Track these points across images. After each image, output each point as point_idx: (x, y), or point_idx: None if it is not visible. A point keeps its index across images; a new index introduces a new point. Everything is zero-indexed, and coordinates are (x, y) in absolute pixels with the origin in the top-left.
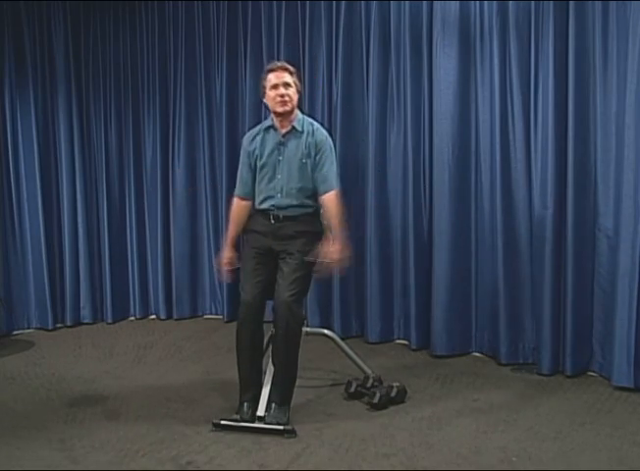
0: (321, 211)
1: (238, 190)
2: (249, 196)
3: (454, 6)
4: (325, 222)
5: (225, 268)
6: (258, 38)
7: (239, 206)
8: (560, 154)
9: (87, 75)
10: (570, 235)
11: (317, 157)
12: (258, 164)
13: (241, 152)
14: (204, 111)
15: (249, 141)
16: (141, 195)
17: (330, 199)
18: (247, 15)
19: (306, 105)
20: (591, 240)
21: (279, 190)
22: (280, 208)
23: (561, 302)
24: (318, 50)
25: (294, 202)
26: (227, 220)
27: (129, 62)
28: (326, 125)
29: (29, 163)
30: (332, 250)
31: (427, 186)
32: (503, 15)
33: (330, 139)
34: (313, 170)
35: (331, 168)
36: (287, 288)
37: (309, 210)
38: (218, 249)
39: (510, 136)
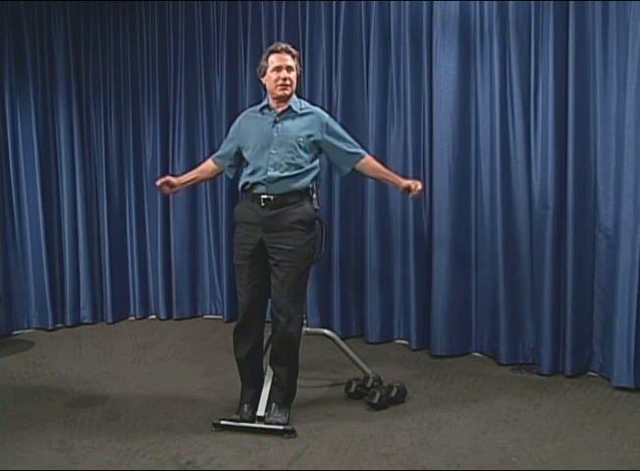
0: (313, 195)
1: (217, 155)
2: (222, 166)
3: (454, 6)
4: (377, 179)
5: (160, 182)
6: (258, 38)
7: (208, 164)
8: (560, 154)
9: (87, 75)
10: (570, 234)
11: (330, 137)
12: (253, 141)
13: (232, 129)
14: (204, 110)
15: (245, 120)
16: (141, 195)
17: (367, 162)
18: (247, 15)
19: None
20: (591, 240)
21: (272, 164)
22: (270, 181)
23: (561, 302)
24: (318, 50)
25: (286, 175)
26: (227, 220)
27: (129, 62)
28: None
29: (29, 163)
30: (408, 186)
31: (427, 186)
32: (503, 15)
33: (329, 116)
34: (332, 151)
35: (349, 140)
36: (283, 293)
37: (299, 188)
38: (218, 249)
39: (510, 136)
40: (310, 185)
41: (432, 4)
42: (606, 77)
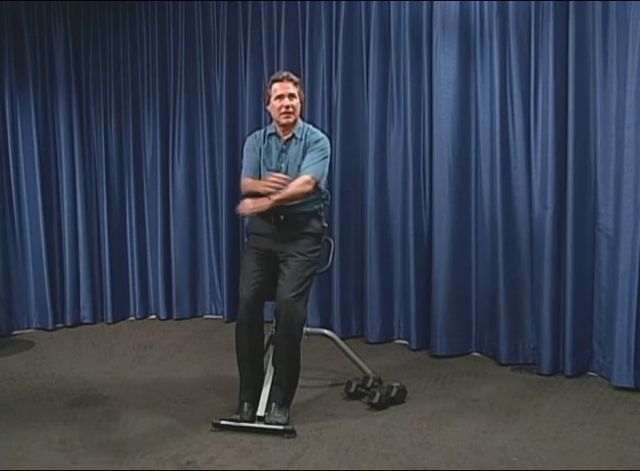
0: (321, 214)
1: (248, 173)
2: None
3: (454, 6)
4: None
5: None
6: (258, 38)
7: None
8: (560, 154)
9: (87, 75)
10: (570, 234)
11: (307, 152)
12: (262, 168)
13: (247, 147)
14: (204, 111)
15: (255, 142)
16: (141, 195)
17: (300, 177)
18: (247, 15)
19: (306, 105)
20: (591, 240)
21: None
22: (281, 208)
23: (561, 302)
24: (318, 50)
25: (295, 203)
26: (227, 220)
27: (129, 62)
28: (326, 125)
29: (29, 163)
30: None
31: (427, 186)
32: (503, 15)
33: (326, 141)
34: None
35: (315, 159)
36: (289, 289)
37: (309, 210)
38: (218, 249)
39: (510, 136)
40: (317, 206)
41: (432, 4)
42: (606, 77)
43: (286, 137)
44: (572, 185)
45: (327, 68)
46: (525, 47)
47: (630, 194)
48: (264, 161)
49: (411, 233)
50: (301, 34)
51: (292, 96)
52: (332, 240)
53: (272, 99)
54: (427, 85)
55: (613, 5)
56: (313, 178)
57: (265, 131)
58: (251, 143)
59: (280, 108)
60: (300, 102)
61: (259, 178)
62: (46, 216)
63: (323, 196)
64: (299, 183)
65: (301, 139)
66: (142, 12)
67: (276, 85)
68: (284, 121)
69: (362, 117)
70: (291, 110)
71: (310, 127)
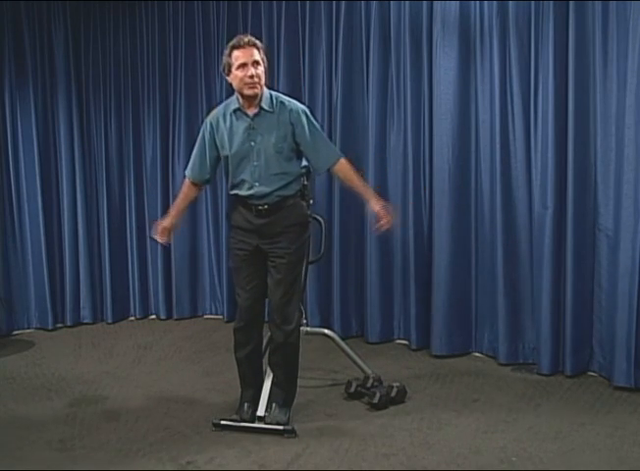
0: (305, 192)
1: (192, 173)
2: (203, 182)
3: (454, 6)
4: (350, 187)
5: (159, 237)
6: (258, 38)
7: (189, 189)
8: (560, 154)
9: (87, 75)
10: (570, 234)
11: (301, 135)
12: (229, 153)
13: (203, 133)
14: (204, 110)
15: (215, 124)
16: (141, 195)
17: (341, 169)
18: (247, 15)
19: (306, 105)
20: (591, 240)
21: (257, 178)
22: (260, 197)
23: (561, 302)
24: (318, 50)
25: (275, 188)
26: (225, 218)
27: (129, 62)
28: (326, 125)
29: (29, 163)
30: (379, 209)
31: (427, 186)
32: (503, 15)
33: (305, 109)
34: (304, 150)
35: (322, 139)
36: (279, 293)
37: (292, 193)
38: (218, 249)
39: (510, 136)
40: (298, 187)
41: (432, 4)
42: (606, 77)
43: (253, 112)
44: (572, 185)
45: (327, 68)
46: (525, 47)
47: (630, 194)
48: (229, 144)
49: (411, 232)
50: (301, 34)
51: (256, 64)
52: (322, 220)
53: (234, 69)
54: (427, 85)
55: (613, 5)
56: (339, 157)
57: (227, 108)
58: (208, 128)
59: (243, 78)
60: (265, 69)
61: (206, 182)
62: (46, 216)
63: (303, 171)
64: (348, 168)
65: (273, 112)
66: (142, 12)
67: (237, 53)
68: (249, 92)
69: (362, 117)
70: (256, 80)
71: (279, 95)
